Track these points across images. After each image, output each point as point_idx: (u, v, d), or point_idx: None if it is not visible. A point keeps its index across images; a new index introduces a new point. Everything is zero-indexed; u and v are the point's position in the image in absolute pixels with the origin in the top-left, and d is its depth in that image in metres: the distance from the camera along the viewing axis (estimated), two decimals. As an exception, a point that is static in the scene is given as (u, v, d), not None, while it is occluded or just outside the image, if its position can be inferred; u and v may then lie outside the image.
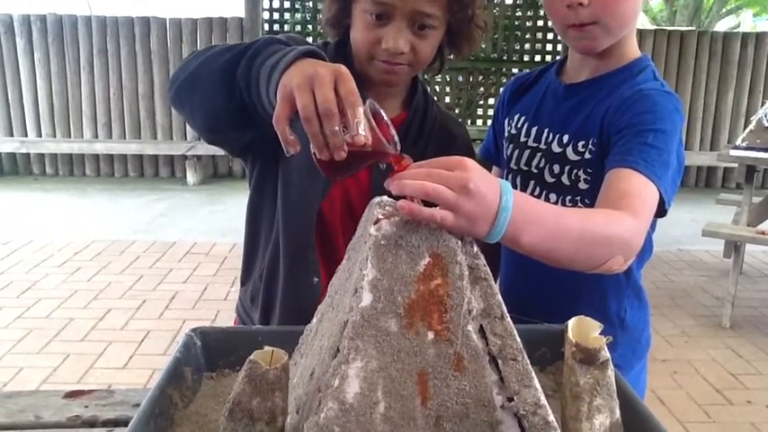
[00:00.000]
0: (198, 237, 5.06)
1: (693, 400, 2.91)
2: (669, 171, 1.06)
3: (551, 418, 0.74)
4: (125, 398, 1.06)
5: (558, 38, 7.14)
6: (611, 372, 0.83)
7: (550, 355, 1.04)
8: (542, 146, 1.26)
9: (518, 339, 0.76)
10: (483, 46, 7.17)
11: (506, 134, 1.34)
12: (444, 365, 0.74)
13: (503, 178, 1.34)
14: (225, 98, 1.03)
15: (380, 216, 0.77)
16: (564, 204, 1.22)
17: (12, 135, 7.00)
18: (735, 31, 9.06)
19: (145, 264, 4.45)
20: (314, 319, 0.94)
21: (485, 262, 0.77)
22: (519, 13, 7.22)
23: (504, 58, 7.27)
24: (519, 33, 7.24)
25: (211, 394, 1.00)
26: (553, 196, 1.24)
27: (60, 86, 6.95)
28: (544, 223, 0.86)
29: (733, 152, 3.83)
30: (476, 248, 0.77)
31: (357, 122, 0.80)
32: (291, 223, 1.23)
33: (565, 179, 1.22)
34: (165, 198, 6.35)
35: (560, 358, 1.03)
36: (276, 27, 7.10)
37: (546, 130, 1.26)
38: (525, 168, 1.28)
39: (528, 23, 7.21)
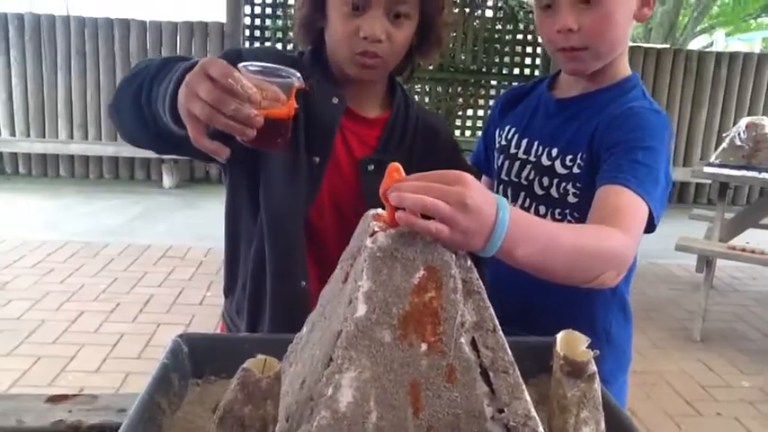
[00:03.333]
0: (173, 240, 5.02)
1: (664, 411, 2.96)
2: (658, 188, 1.09)
3: (540, 429, 0.75)
4: (109, 403, 1.05)
5: (537, 51, 7.22)
6: (597, 385, 0.84)
7: (535, 368, 1.05)
8: (532, 158, 1.28)
9: (509, 352, 0.77)
10: (463, 57, 7.23)
11: (497, 145, 1.36)
12: (437, 377, 0.75)
13: (493, 188, 1.36)
14: (144, 130, 1.06)
15: (377, 228, 0.78)
16: (553, 217, 1.24)
17: (-16, 133, 6.90)
18: (709, 50, 9.23)
19: (119, 266, 4.40)
20: (304, 328, 0.95)
21: (478, 276, 0.78)
22: (499, 26, 7.29)
23: (484, 69, 7.33)
24: (498, 46, 7.31)
25: (198, 401, 1.00)
26: (543, 209, 1.26)
27: (36, 86, 6.86)
28: (538, 238, 0.87)
29: (707, 169, 3.90)
30: (469, 262, 0.78)
31: (242, 86, 0.84)
32: (277, 229, 1.23)
33: (554, 192, 1.24)
34: (141, 201, 6.30)
35: (544, 370, 1.04)
36: (257, 33, 7.09)
37: (536, 143, 1.28)
38: (515, 180, 1.30)
39: (508, 36, 7.28)
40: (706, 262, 3.80)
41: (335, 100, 1.24)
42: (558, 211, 1.24)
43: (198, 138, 0.89)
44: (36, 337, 3.32)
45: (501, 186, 1.33)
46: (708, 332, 3.78)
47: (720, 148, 4.03)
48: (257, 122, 0.85)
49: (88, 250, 4.68)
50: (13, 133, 6.92)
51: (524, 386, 0.76)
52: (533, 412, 0.75)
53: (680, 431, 2.82)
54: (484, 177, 1.46)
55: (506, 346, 0.77)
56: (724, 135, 4.18)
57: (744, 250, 3.55)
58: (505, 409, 0.75)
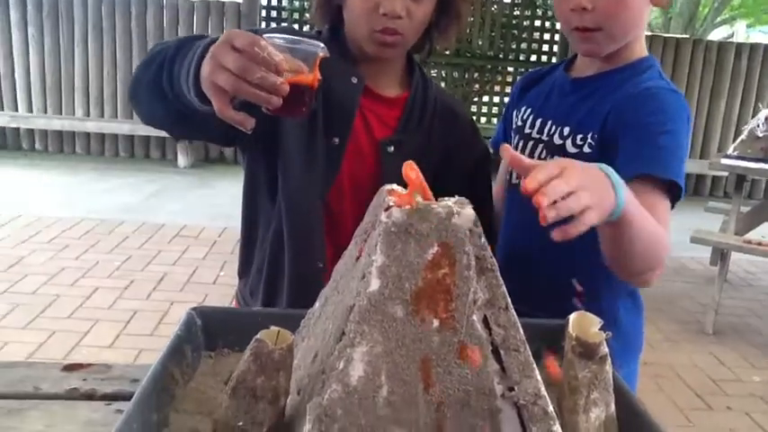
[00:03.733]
0: (187, 220, 5.05)
1: (675, 404, 2.95)
2: (683, 166, 1.09)
3: (550, 408, 0.75)
4: (123, 373, 1.06)
5: (555, 38, 7.16)
6: (608, 367, 0.85)
7: (546, 349, 1.05)
8: (544, 137, 1.28)
9: (521, 331, 0.77)
10: (480, 43, 7.18)
11: (514, 126, 1.37)
12: (448, 353, 0.76)
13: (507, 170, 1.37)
14: (165, 112, 1.07)
15: (391, 203, 0.78)
16: None
17: (2, 109, 6.93)
18: (729, 41, 9.12)
19: (134, 244, 4.44)
20: (317, 303, 0.95)
21: (491, 253, 0.78)
22: (517, 12, 7.24)
23: (501, 56, 7.28)
24: (516, 32, 7.26)
25: (210, 372, 1.01)
26: None
27: (53, 62, 6.89)
28: (634, 203, 0.91)
29: (724, 161, 3.87)
30: (483, 239, 0.78)
31: (268, 53, 0.85)
32: (295, 211, 1.23)
33: None
34: (156, 180, 6.32)
35: (556, 352, 1.05)
36: (273, 14, 7.07)
37: (549, 122, 1.28)
38: None
39: (525, 22, 7.23)
40: (721, 255, 3.77)
41: (354, 80, 1.24)
42: None
43: (223, 109, 0.88)
44: (51, 311, 3.36)
45: None
46: (720, 326, 3.77)
47: (739, 140, 3.99)
48: (283, 90, 0.85)
49: (103, 227, 4.71)
50: (30, 109, 6.96)
51: (535, 365, 0.77)
52: (543, 391, 0.76)
53: (689, 424, 2.81)
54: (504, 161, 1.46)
55: (518, 324, 0.77)
56: (743, 128, 4.13)
57: (759, 244, 3.52)
58: (516, 388, 0.76)
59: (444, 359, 0.75)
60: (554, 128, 1.26)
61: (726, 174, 6.43)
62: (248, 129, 0.90)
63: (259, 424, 0.78)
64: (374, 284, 0.75)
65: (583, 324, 0.86)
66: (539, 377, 0.76)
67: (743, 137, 3.94)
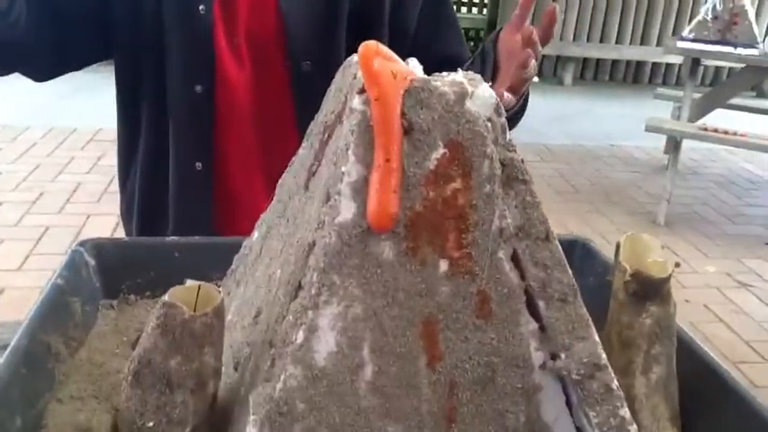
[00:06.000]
0: (103, 122, 4.58)
1: (632, 299, 2.84)
2: None
3: (616, 384, 0.51)
4: (-10, 334, 0.78)
5: None
6: (673, 309, 0.61)
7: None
8: None
9: (569, 271, 0.51)
10: None
11: None
12: (462, 310, 0.50)
13: None
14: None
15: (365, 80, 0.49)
16: None
17: None
18: None
19: (42, 152, 4.00)
20: (255, 233, 0.68)
21: (522, 156, 0.51)
22: None
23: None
24: None
25: (111, 331, 0.74)
26: None
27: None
28: None
29: (680, 44, 3.65)
30: (508, 135, 0.51)
31: None
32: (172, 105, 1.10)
33: None
34: (66, 79, 5.63)
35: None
36: None
37: None
38: None
39: None
40: (674, 144, 3.61)
41: (202, 8, 1.02)
42: None
43: None
44: (-51, 231, 2.97)
45: None
46: (670, 216, 3.66)
47: (695, 21, 3.76)
48: None
49: (6, 134, 4.25)
50: None
51: (591, 321, 0.52)
52: (604, 359, 0.51)
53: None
54: None
55: (565, 261, 0.51)
56: (701, 8, 3.90)
57: (716, 131, 3.37)
58: (562, 354, 0.51)
59: (457, 319, 0.50)
60: None
61: (666, 61, 6.26)
62: None
63: (178, 423, 0.52)
64: (347, 210, 0.47)
65: (637, 250, 0.61)
66: (596, 338, 0.51)
67: (699, 18, 3.71)
